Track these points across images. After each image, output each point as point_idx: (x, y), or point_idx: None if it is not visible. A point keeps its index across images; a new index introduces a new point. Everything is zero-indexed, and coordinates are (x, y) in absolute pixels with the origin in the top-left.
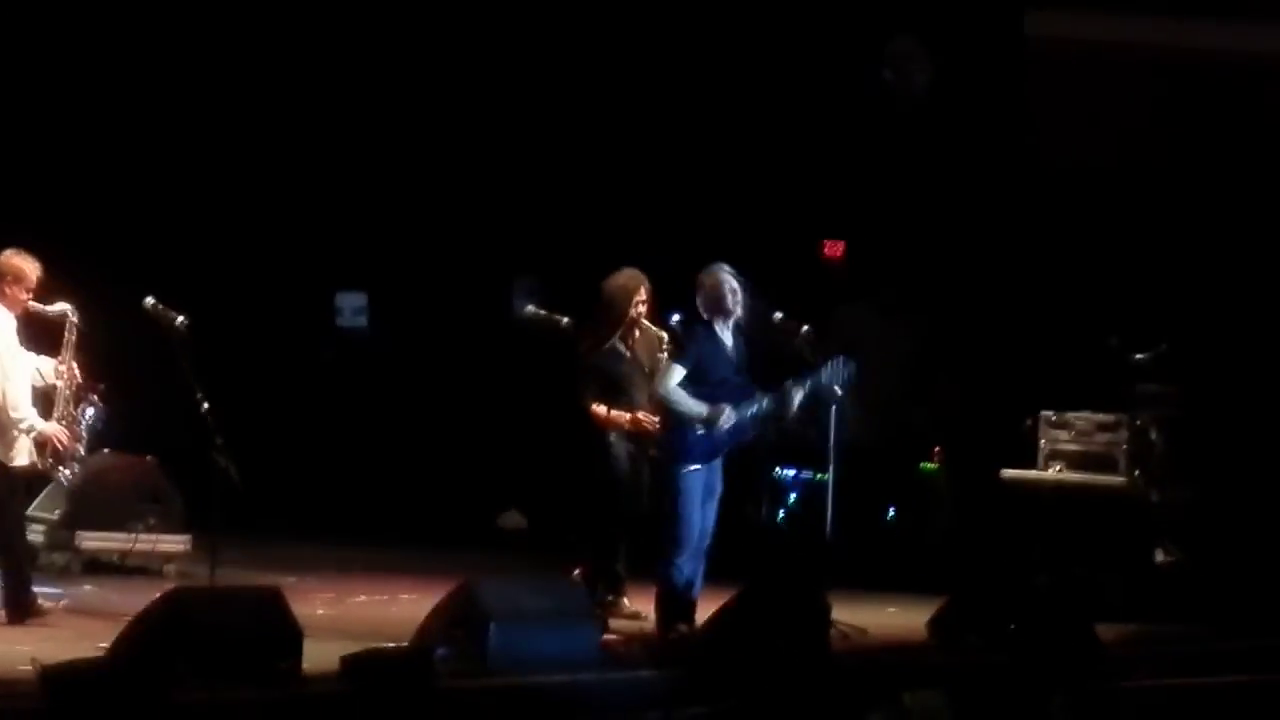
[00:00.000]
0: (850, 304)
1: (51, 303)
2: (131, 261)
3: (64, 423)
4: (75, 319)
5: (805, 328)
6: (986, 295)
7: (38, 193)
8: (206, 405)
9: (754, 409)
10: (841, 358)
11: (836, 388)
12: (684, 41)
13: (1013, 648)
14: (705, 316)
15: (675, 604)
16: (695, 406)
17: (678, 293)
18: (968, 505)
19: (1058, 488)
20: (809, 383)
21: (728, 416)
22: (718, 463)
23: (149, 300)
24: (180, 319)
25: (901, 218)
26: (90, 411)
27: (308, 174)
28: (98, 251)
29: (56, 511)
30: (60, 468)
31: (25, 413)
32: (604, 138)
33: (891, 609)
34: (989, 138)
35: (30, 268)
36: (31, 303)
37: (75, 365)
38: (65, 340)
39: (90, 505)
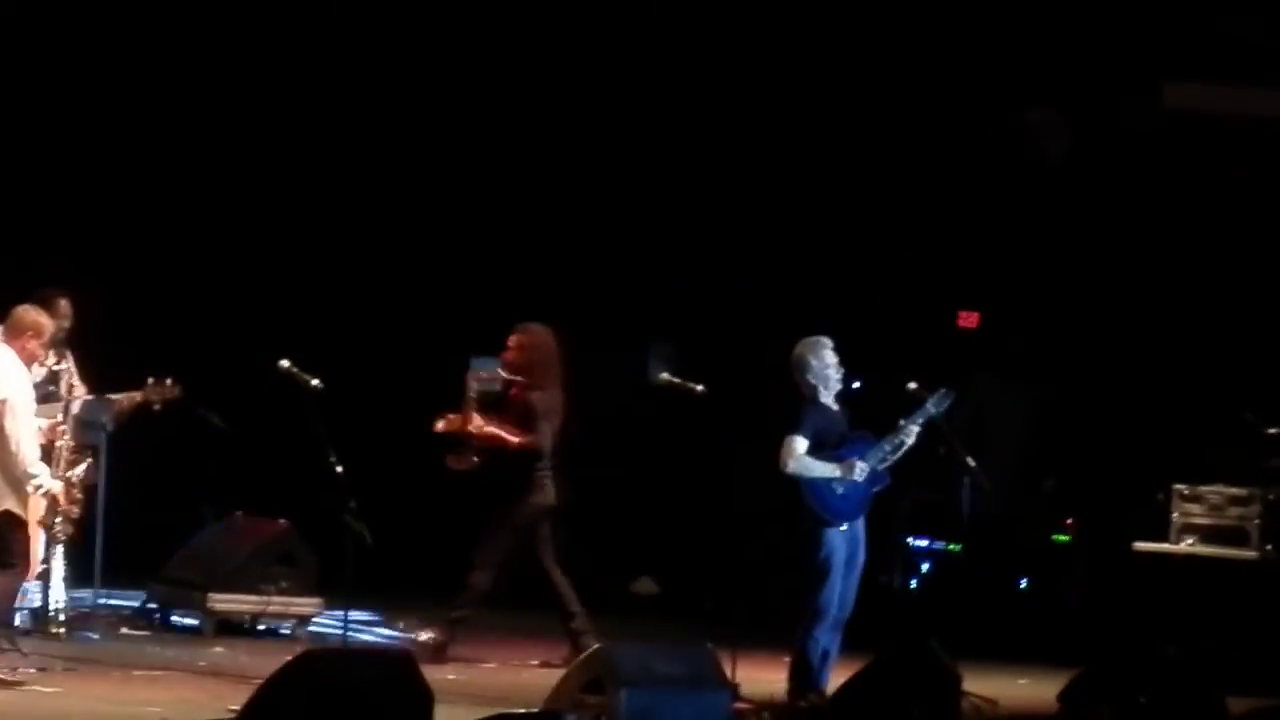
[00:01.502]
0: (981, 373)
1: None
2: (267, 325)
3: (63, 483)
4: (75, 380)
5: (926, 393)
6: (1121, 367)
7: (177, 257)
8: (340, 468)
9: (881, 455)
10: (944, 389)
11: (936, 410)
12: (828, 114)
13: None
14: (805, 390)
15: (809, 673)
16: (826, 468)
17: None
18: (1100, 577)
19: (1189, 561)
20: (921, 416)
21: (861, 469)
22: (860, 531)
23: (284, 363)
24: (315, 382)
25: (1037, 288)
26: (81, 468)
27: (441, 239)
28: (235, 316)
29: (190, 573)
30: (56, 529)
31: (38, 469)
32: (747, 208)
33: (1023, 680)
34: (1127, 210)
35: (47, 322)
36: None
37: (73, 425)
38: (66, 402)
39: (223, 567)
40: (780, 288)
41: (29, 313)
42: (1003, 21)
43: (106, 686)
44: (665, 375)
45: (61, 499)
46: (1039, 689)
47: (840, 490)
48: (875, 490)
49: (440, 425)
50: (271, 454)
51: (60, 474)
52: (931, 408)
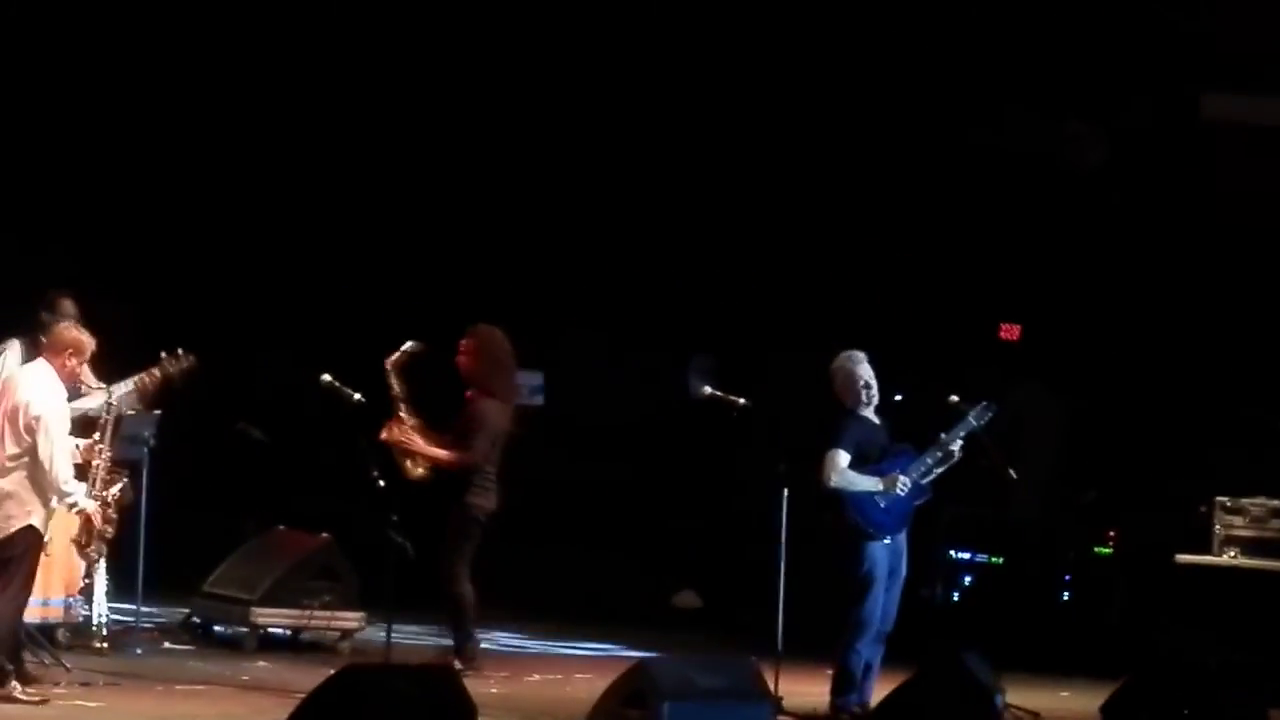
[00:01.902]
0: (1018, 386)
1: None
2: (309, 339)
3: (98, 502)
4: (114, 401)
5: (968, 405)
6: (1162, 378)
7: (220, 272)
8: (381, 481)
9: (923, 468)
10: (985, 402)
11: (978, 423)
12: (871, 127)
13: None
14: (846, 403)
15: (851, 686)
16: (868, 482)
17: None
18: (1142, 589)
19: (1232, 573)
20: (963, 429)
21: (903, 482)
22: (903, 544)
23: (325, 377)
24: (356, 396)
25: (1078, 300)
26: (117, 488)
27: (483, 253)
28: (277, 330)
29: (233, 587)
30: (90, 547)
31: (73, 487)
32: (789, 220)
33: (1065, 692)
34: (1166, 220)
35: (88, 341)
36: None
37: (109, 447)
38: (102, 422)
39: (265, 581)
40: (820, 300)
41: (69, 330)
42: (1042, 32)
43: (149, 701)
44: (707, 388)
45: (96, 518)
46: (1081, 701)
47: (883, 504)
48: (917, 503)
49: (385, 435)
50: (313, 468)
51: (96, 493)
52: (973, 420)
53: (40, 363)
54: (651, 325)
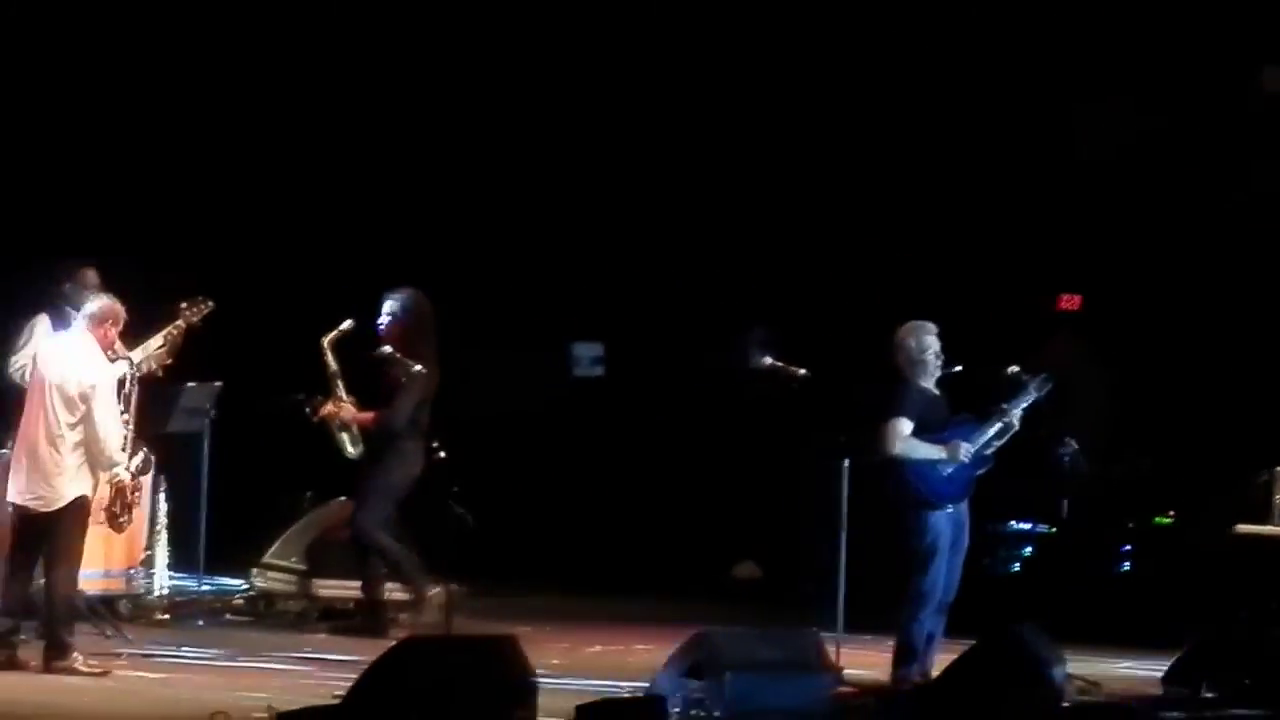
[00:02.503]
0: (1058, 343)
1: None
2: (370, 311)
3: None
4: (134, 372)
5: (1028, 376)
6: (1223, 348)
7: (273, 242)
8: (443, 454)
9: (986, 437)
10: (1044, 374)
11: (1038, 394)
12: (929, 98)
13: (1248, 701)
14: (908, 373)
15: (912, 657)
16: (931, 450)
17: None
18: (1202, 559)
19: None
20: (1024, 399)
21: (965, 450)
22: (965, 515)
23: (385, 349)
24: (417, 367)
25: (1139, 270)
26: (139, 458)
27: (546, 224)
28: (337, 300)
29: (293, 559)
30: (123, 517)
31: (121, 457)
32: (850, 192)
33: (1126, 663)
34: (1226, 192)
35: (120, 310)
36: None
37: (132, 418)
38: (124, 393)
39: (327, 554)
40: (880, 270)
41: (107, 301)
42: (1103, 5)
43: (210, 673)
44: (767, 359)
45: (128, 489)
46: (1144, 671)
47: (945, 472)
48: (979, 473)
49: (319, 416)
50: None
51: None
52: (1034, 391)
53: (79, 332)
54: (711, 295)
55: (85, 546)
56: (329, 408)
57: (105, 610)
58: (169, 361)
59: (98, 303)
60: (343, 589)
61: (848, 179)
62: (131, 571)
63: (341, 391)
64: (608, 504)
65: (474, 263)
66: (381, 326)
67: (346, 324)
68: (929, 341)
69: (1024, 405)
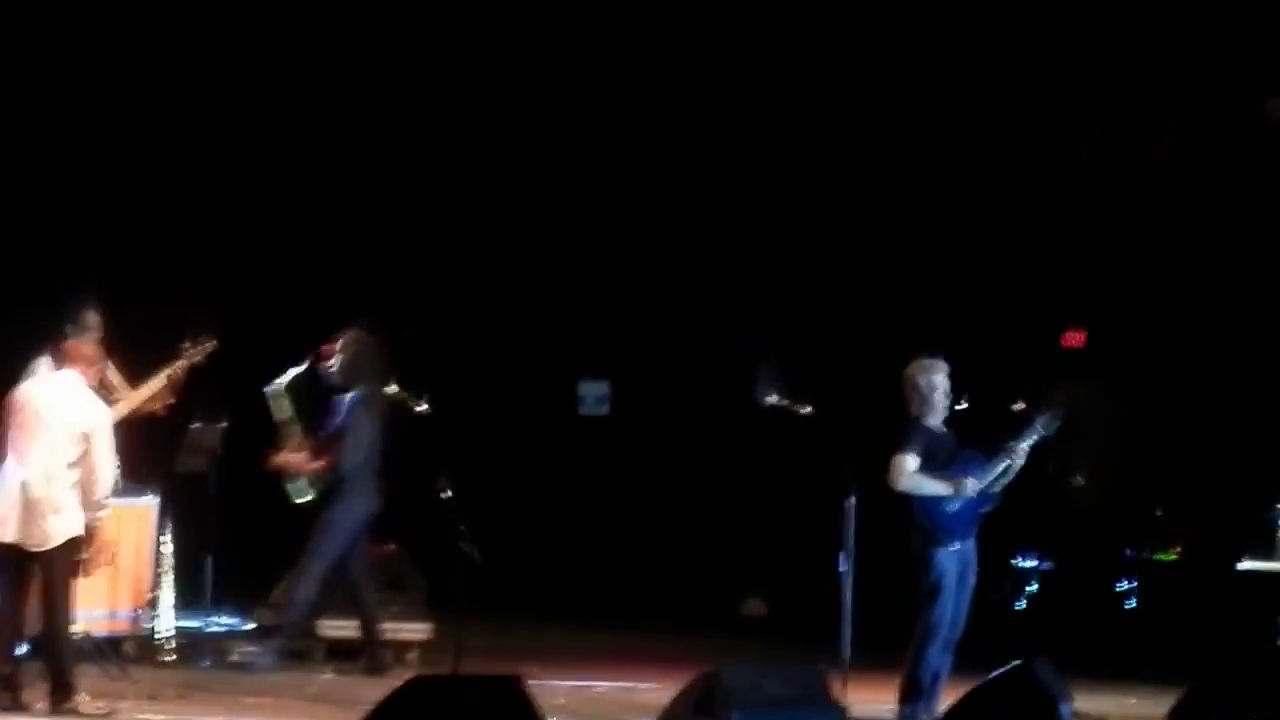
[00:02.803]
0: (1072, 387)
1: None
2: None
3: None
4: (117, 383)
5: (1037, 414)
6: (1227, 383)
7: (281, 276)
8: (450, 492)
9: (991, 474)
10: (1052, 411)
11: (1045, 431)
12: (934, 131)
13: None
14: (915, 409)
15: (918, 694)
16: (937, 485)
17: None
18: (1208, 595)
19: None
20: (1031, 436)
21: (972, 486)
22: (972, 551)
23: (392, 387)
24: (422, 406)
25: (1143, 307)
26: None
27: (552, 263)
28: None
29: None
30: (89, 559)
31: (111, 498)
32: (859, 229)
33: (1133, 699)
34: (1239, 220)
35: (96, 352)
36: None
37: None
38: None
39: (331, 593)
40: (886, 306)
41: (86, 345)
42: (1112, 32)
43: (216, 713)
44: (774, 397)
45: (100, 533)
46: (1149, 707)
47: (952, 509)
48: (985, 510)
49: (274, 464)
50: (380, 478)
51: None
52: (1041, 429)
53: (71, 374)
54: (718, 333)
55: (91, 587)
56: (278, 458)
57: (111, 651)
58: (171, 400)
59: (76, 347)
60: (347, 628)
61: (852, 215)
62: (137, 612)
63: (296, 438)
64: (615, 541)
65: (482, 301)
66: (330, 369)
67: (291, 372)
68: (938, 380)
69: (1030, 442)
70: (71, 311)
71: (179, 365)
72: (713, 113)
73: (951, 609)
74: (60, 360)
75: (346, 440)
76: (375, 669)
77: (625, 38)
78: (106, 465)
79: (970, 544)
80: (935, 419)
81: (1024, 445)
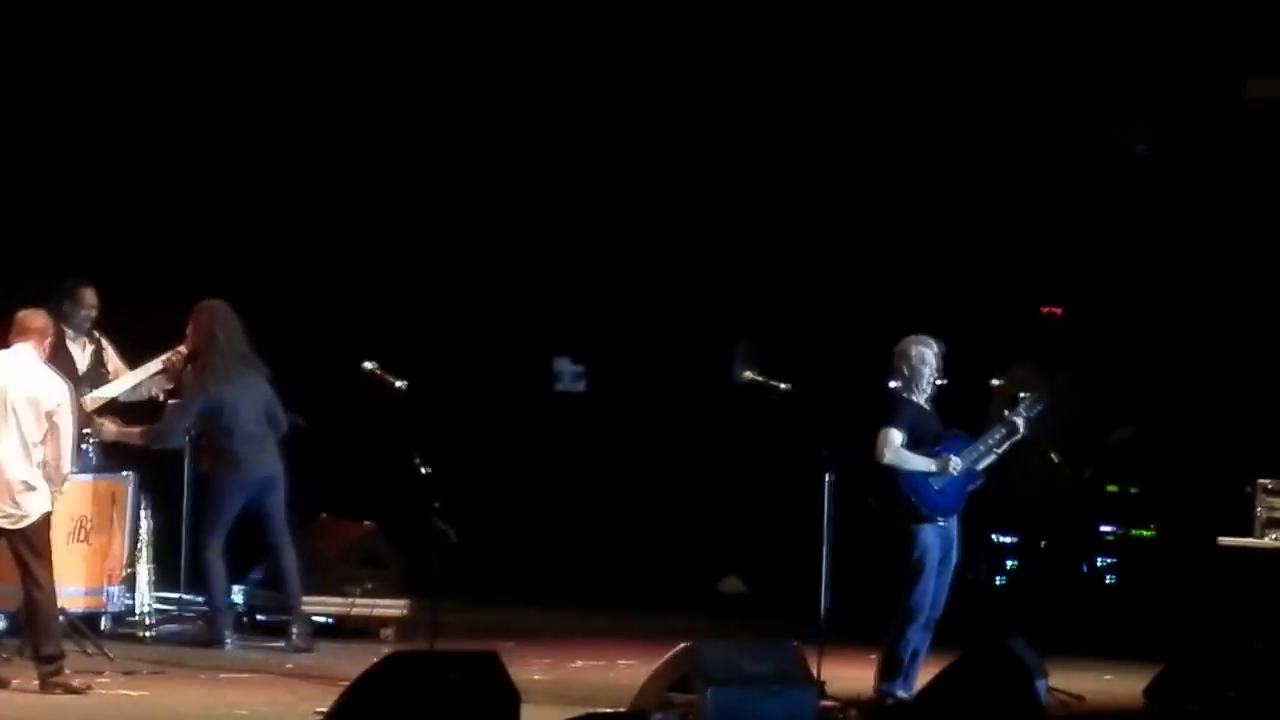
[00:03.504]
0: (1019, 364)
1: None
2: (351, 326)
3: None
4: (116, 362)
5: (1022, 394)
6: (1204, 361)
7: (261, 254)
8: (425, 469)
9: (975, 454)
10: (1036, 393)
11: (1029, 412)
12: (910, 113)
13: (1231, 714)
14: (899, 385)
15: (897, 671)
16: (922, 462)
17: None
18: (1185, 572)
19: (1275, 555)
20: (1014, 417)
21: (955, 463)
22: (954, 531)
23: (368, 365)
24: (399, 383)
25: (1119, 284)
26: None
27: (527, 239)
28: (318, 316)
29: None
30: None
31: (68, 469)
32: (833, 204)
33: (1108, 675)
34: (1211, 202)
35: (50, 325)
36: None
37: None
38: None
39: (309, 570)
40: (862, 284)
41: (37, 316)
42: (1085, 17)
43: (193, 690)
44: (749, 373)
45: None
46: (1125, 684)
47: (937, 486)
48: (970, 489)
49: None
50: (356, 455)
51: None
52: (1024, 410)
53: (26, 349)
54: (694, 309)
55: (67, 564)
56: (98, 421)
57: (87, 628)
58: (169, 386)
59: (28, 318)
60: (325, 605)
61: (828, 192)
62: (113, 589)
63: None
64: (591, 519)
65: (457, 278)
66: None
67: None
68: (928, 357)
69: (1015, 421)
70: (67, 287)
71: (178, 351)
72: (681, 91)
73: (933, 588)
74: (13, 334)
75: (174, 409)
76: (213, 639)
77: (596, 24)
78: (68, 441)
79: (953, 523)
80: (920, 396)
81: (1009, 426)
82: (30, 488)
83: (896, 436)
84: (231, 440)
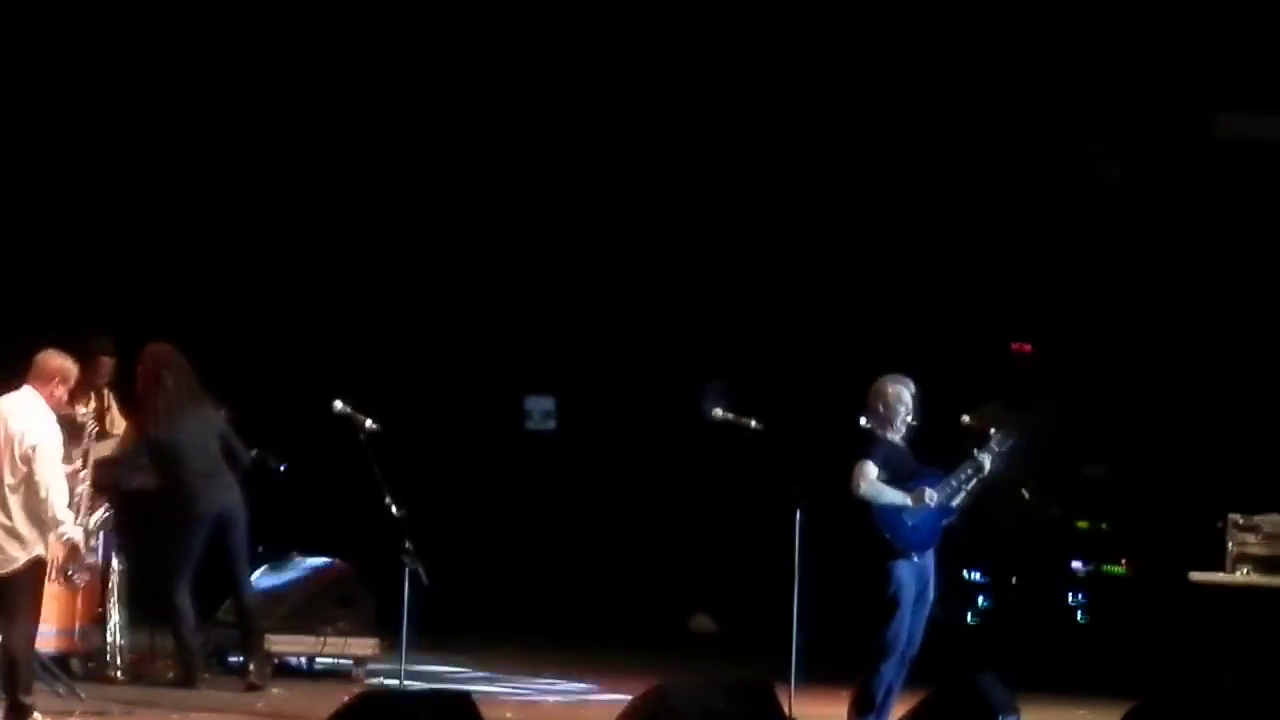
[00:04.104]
0: (987, 404)
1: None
2: (322, 366)
3: (83, 529)
4: (94, 424)
5: (993, 430)
6: (1174, 396)
7: (230, 295)
8: (396, 509)
9: (949, 490)
10: (1006, 431)
11: (999, 449)
12: (881, 147)
13: None
14: (874, 423)
15: (869, 708)
16: (898, 495)
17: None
18: (1157, 608)
19: (1247, 590)
20: (986, 454)
21: (930, 495)
22: (930, 566)
23: (339, 404)
24: (370, 423)
25: (1089, 318)
26: (101, 517)
27: (497, 278)
28: (289, 357)
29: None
30: (73, 574)
31: (65, 515)
32: (804, 242)
33: (1081, 712)
34: (1180, 240)
35: (71, 368)
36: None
37: (91, 471)
38: (84, 447)
39: (280, 608)
40: (834, 322)
41: (54, 358)
42: (1057, 52)
43: None
44: (720, 411)
45: (83, 546)
46: None
47: (911, 521)
48: (944, 524)
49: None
50: (328, 495)
51: (81, 520)
52: (995, 447)
53: (28, 391)
54: (664, 348)
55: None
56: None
57: (58, 668)
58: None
59: (42, 360)
60: (296, 644)
61: (800, 232)
62: (85, 629)
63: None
64: (562, 557)
65: (427, 318)
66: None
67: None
68: (904, 396)
69: (985, 460)
70: (90, 348)
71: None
72: (648, 131)
73: (909, 623)
74: (29, 375)
75: (123, 469)
76: (185, 680)
77: (567, 37)
78: (54, 484)
79: (929, 559)
80: (895, 435)
81: (980, 463)
82: (13, 535)
83: (872, 469)
84: (183, 479)
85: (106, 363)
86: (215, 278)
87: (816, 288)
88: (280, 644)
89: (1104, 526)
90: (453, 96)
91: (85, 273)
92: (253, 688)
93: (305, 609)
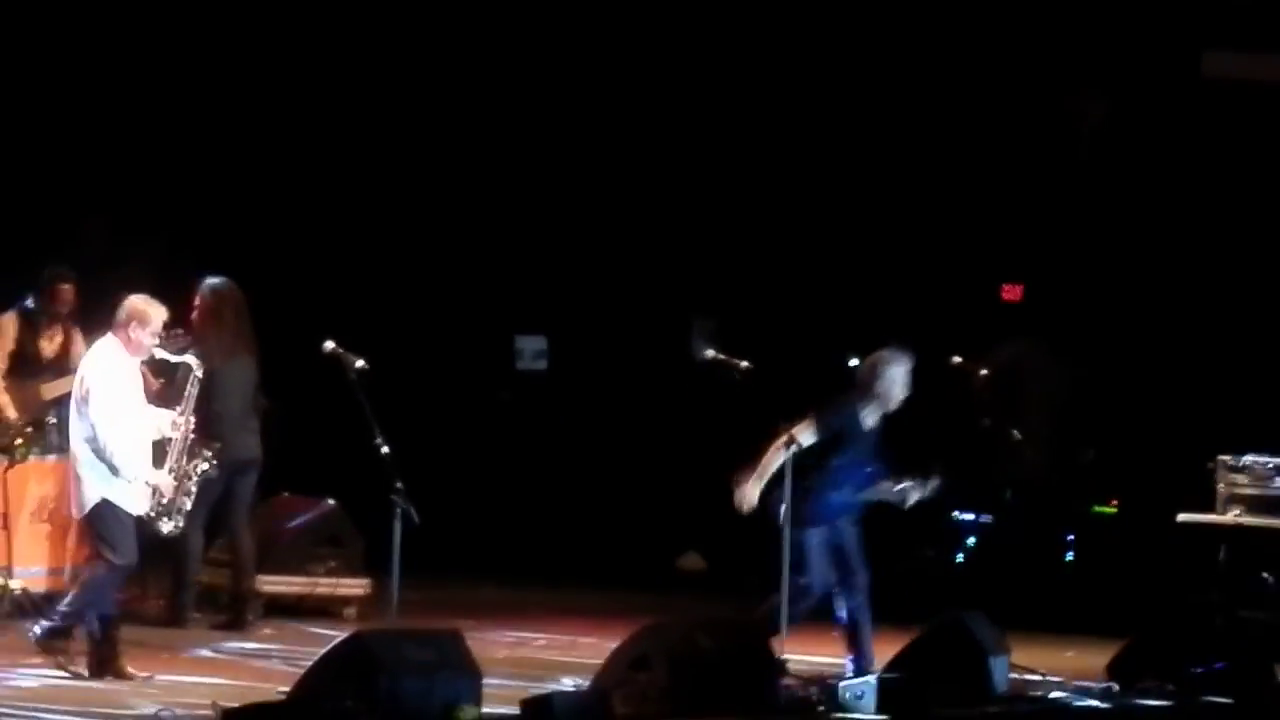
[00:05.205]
0: (1015, 342)
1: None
2: (312, 305)
3: (175, 476)
4: (199, 373)
5: (983, 371)
6: (1165, 338)
7: (221, 235)
8: (386, 448)
9: (875, 494)
10: (939, 480)
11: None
12: (871, 93)
13: (1192, 691)
14: (858, 394)
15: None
16: (769, 470)
17: (854, 337)
18: (1147, 548)
19: (1236, 531)
20: (910, 490)
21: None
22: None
23: (329, 344)
24: (360, 362)
25: (1081, 260)
26: (203, 467)
27: (487, 218)
28: (279, 295)
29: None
30: (164, 519)
31: (121, 461)
32: (791, 182)
33: (1070, 652)
34: (1168, 179)
35: (155, 312)
36: (157, 350)
37: (193, 420)
38: (186, 394)
39: (270, 549)
40: (822, 266)
41: (131, 302)
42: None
43: (155, 669)
44: (710, 351)
45: (168, 491)
46: (1087, 660)
47: (838, 498)
48: (844, 514)
49: None
50: (318, 435)
51: (174, 464)
52: (926, 491)
53: (107, 338)
54: (654, 288)
55: (30, 544)
56: None
57: (49, 607)
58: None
59: (123, 306)
60: (287, 584)
61: (787, 170)
62: (76, 569)
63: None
64: (552, 497)
65: (417, 257)
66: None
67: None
68: (900, 377)
69: (911, 494)
70: (45, 278)
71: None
72: (640, 75)
73: (836, 561)
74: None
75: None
76: (236, 624)
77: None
78: (106, 430)
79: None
80: (873, 416)
81: (901, 494)
82: (76, 474)
83: (807, 438)
84: (219, 422)
85: (67, 290)
86: (203, 217)
87: (806, 230)
88: (271, 584)
89: (1094, 465)
90: (442, 44)
91: (79, 211)
92: (243, 627)
93: (295, 549)
